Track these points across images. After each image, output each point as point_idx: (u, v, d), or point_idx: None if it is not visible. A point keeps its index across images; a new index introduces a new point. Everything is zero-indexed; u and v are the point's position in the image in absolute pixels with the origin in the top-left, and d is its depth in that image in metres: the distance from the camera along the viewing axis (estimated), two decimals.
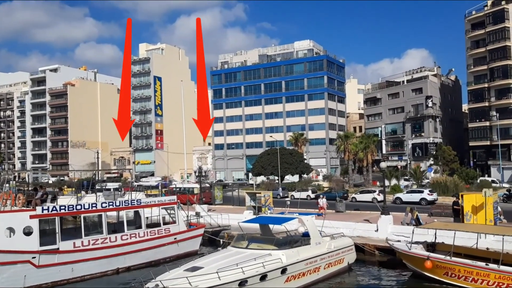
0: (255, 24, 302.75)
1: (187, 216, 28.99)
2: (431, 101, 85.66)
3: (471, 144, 78.77)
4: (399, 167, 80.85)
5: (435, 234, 21.61)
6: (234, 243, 20.18)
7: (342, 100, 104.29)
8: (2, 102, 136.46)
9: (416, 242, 21.41)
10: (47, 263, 20.52)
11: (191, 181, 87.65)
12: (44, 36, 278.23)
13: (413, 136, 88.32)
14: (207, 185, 60.38)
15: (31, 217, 20.58)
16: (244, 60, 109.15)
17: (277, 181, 70.43)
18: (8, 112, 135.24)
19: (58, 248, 21.05)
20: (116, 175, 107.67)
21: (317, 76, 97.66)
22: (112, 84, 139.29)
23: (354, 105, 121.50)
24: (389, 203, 39.18)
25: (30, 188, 26.70)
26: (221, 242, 27.38)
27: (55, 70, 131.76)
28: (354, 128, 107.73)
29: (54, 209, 21.61)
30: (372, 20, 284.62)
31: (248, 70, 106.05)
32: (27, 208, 21.17)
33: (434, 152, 78.98)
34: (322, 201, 35.20)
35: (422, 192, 46.76)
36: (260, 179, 76.12)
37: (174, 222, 26.92)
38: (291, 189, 62.29)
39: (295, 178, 77.50)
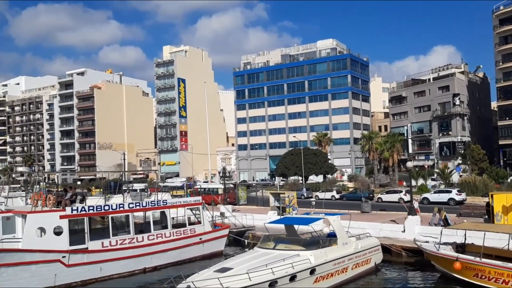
0: (276, 23, 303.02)
1: (212, 217, 29.16)
2: (459, 99, 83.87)
3: (500, 142, 76.83)
4: (426, 166, 79.50)
5: (465, 235, 21.15)
6: (261, 244, 20.21)
7: (366, 99, 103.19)
8: (32, 106, 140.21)
9: (445, 243, 21.00)
10: (76, 262, 20.97)
11: (215, 181, 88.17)
12: (68, 40, 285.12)
13: (440, 135, 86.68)
14: (231, 185, 60.62)
15: (61, 217, 21.07)
16: (267, 61, 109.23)
17: (301, 182, 70.19)
18: (38, 115, 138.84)
19: (87, 248, 21.49)
20: (142, 176, 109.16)
21: (340, 75, 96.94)
22: (137, 86, 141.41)
23: (379, 104, 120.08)
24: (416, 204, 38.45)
25: (60, 189, 27.34)
26: (246, 243, 27.45)
27: (82, 73, 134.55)
28: (379, 127, 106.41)
29: (83, 209, 22.08)
30: (397, 17, 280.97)
31: (271, 71, 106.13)
32: (57, 209, 21.65)
33: (462, 151, 77.38)
34: (416, 204, 32.26)
35: (450, 192, 45.77)
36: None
37: (199, 222, 27.13)
38: (315, 189, 61.97)
39: (319, 178, 77.07)
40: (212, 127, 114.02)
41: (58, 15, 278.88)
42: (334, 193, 56.58)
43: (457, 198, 43.88)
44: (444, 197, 44.60)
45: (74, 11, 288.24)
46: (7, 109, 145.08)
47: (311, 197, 55.21)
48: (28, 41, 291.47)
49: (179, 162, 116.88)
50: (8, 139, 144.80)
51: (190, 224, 26.74)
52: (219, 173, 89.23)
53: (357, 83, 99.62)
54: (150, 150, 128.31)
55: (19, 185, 50.52)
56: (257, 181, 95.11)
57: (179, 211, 27.03)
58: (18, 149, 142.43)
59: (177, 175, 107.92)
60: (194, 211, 27.64)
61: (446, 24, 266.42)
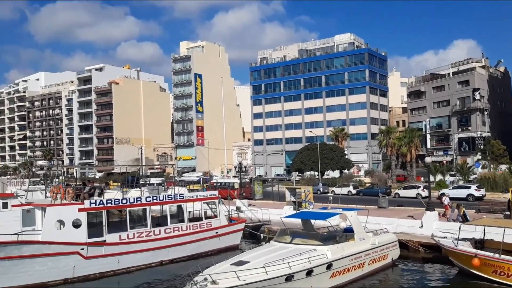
0: (293, 18, 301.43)
1: (228, 211, 29.30)
2: (479, 93, 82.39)
3: None
4: (444, 162, 78.43)
5: (484, 231, 20.85)
6: (277, 238, 20.22)
7: (384, 93, 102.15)
8: (51, 101, 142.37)
9: (463, 239, 20.78)
10: (94, 254, 21.30)
11: (231, 175, 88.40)
12: (86, 36, 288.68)
13: (460, 130, 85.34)
14: (247, 180, 60.70)
15: (80, 210, 21.41)
16: (284, 56, 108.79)
17: (317, 177, 69.95)
18: (57, 111, 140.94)
19: (105, 240, 21.80)
20: (159, 170, 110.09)
21: (358, 70, 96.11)
22: (155, 82, 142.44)
23: (397, 98, 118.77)
24: (434, 199, 38.03)
25: (78, 183, 27.75)
26: (262, 237, 27.50)
27: (100, 69, 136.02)
28: (397, 122, 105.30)
29: (101, 202, 22.38)
30: (416, 11, 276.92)
31: (288, 65, 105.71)
32: (76, 202, 21.99)
33: (482, 147, 76.09)
34: (447, 200, 30.94)
35: (469, 187, 45.08)
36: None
37: (215, 216, 27.26)
38: (331, 184, 61.69)
39: (336, 173, 76.69)
40: (228, 122, 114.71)
41: (76, 11, 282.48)
42: (350, 188, 56.30)
43: (476, 194, 43.23)
44: (463, 193, 43.92)
45: (92, 7, 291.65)
46: (27, 104, 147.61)
47: (328, 192, 55.06)
48: (47, 38, 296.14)
49: (196, 157, 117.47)
50: (28, 133, 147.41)
51: (206, 218, 26.92)
52: (235, 168, 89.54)
53: (375, 77, 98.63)
54: (167, 144, 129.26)
55: (38, 179, 51.40)
56: (275, 175, 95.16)
57: (195, 205, 27.21)
58: (38, 143, 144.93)
59: (194, 170, 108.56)
60: (210, 205, 27.80)
61: (466, 18, 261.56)
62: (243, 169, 59.00)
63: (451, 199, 41.27)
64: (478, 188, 44.39)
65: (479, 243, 20.56)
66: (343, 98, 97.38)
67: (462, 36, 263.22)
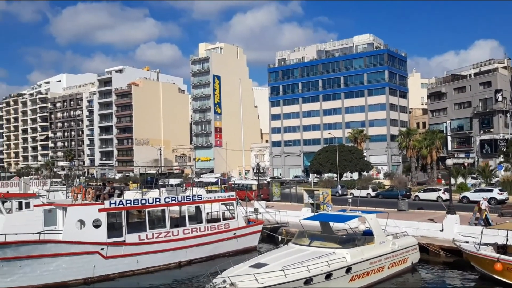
0: (312, 19, 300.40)
1: (246, 212, 29.28)
2: (501, 95, 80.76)
3: None
4: (466, 164, 77.13)
5: (507, 235, 20.36)
6: (296, 240, 20.09)
7: (404, 95, 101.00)
8: (72, 102, 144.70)
9: (486, 244, 20.35)
10: (114, 254, 21.52)
11: (249, 177, 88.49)
12: (106, 38, 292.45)
13: (481, 132, 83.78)
14: (266, 181, 60.59)
15: (100, 210, 21.68)
16: (302, 57, 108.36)
17: (335, 179, 69.48)
18: (78, 112, 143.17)
19: (124, 241, 22.02)
20: (177, 171, 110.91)
21: (377, 71, 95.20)
22: (174, 83, 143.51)
23: (417, 100, 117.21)
24: (455, 202, 37.41)
25: (99, 183, 28.11)
26: (279, 239, 27.41)
27: (120, 71, 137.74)
28: (417, 124, 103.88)
29: (121, 203, 22.62)
30: (436, 10, 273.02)
31: (306, 67, 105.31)
32: (96, 202, 22.27)
33: (504, 149, 74.52)
34: (485, 203, 28.29)
35: (491, 191, 44.20)
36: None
37: (233, 217, 27.32)
38: (350, 186, 61.19)
39: (355, 175, 76.04)
40: (246, 123, 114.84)
41: (97, 13, 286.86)
42: (369, 190, 55.77)
43: (499, 197, 42.37)
44: (484, 196, 43.03)
45: (112, 9, 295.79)
46: (49, 105, 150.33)
47: (346, 195, 54.61)
48: (68, 39, 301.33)
49: (214, 158, 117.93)
50: (50, 134, 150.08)
51: (224, 219, 27.00)
52: (253, 169, 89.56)
53: (395, 78, 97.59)
54: (185, 146, 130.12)
55: (60, 179, 52.19)
56: (293, 177, 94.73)
57: (213, 206, 27.29)
58: (59, 144, 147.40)
59: (212, 171, 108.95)
60: (228, 206, 27.87)
61: (488, 18, 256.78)
62: (261, 171, 59.00)
63: (472, 202, 40.84)
64: (500, 191, 43.49)
65: (502, 248, 20.12)
66: (362, 99, 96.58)
67: (484, 36, 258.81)
